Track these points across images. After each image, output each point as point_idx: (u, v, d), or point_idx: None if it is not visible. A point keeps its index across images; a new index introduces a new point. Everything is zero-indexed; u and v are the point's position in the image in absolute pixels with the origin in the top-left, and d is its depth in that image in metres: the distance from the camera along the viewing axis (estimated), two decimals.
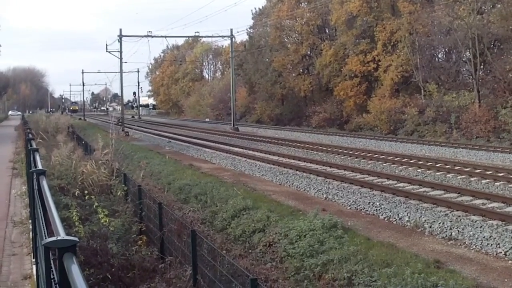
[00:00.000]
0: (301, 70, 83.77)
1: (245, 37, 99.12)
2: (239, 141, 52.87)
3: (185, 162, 35.36)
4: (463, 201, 21.00)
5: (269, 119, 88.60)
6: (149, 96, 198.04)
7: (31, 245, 12.45)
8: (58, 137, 42.53)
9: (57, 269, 4.34)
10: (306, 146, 45.27)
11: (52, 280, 4.95)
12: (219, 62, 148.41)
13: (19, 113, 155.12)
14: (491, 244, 15.16)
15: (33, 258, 11.31)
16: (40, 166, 10.50)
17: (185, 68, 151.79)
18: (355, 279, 13.02)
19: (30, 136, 23.16)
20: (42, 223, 6.93)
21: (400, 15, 62.13)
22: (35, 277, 10.01)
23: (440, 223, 17.38)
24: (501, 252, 14.65)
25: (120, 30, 69.90)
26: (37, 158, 12.15)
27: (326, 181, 26.78)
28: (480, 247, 15.19)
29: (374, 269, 13.07)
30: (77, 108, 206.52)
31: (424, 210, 19.41)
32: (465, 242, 15.70)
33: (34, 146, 15.40)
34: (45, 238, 5.35)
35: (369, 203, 21.14)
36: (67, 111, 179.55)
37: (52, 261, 4.96)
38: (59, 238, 4.36)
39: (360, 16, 66.10)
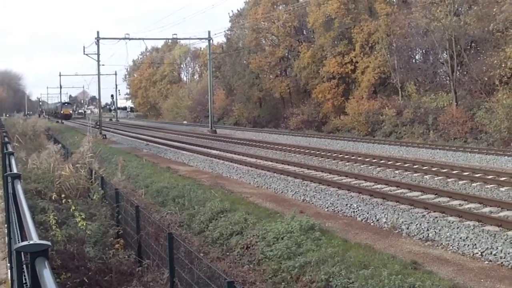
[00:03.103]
0: (278, 72, 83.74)
1: (223, 39, 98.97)
2: (217, 144, 52.84)
3: (163, 165, 35.29)
4: (440, 202, 21.11)
5: (247, 121, 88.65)
6: (127, 99, 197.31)
7: (7, 250, 12.37)
8: (39, 140, 42.40)
9: (29, 274, 4.32)
10: (284, 148, 45.33)
11: (25, 284, 4.92)
12: (197, 65, 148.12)
13: None
14: (468, 245, 15.22)
15: (8, 263, 11.24)
16: (15, 170, 10.44)
17: (163, 71, 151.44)
18: (332, 281, 13.03)
19: (6, 139, 23.05)
20: (16, 227, 6.89)
21: (377, 16, 62.31)
22: (10, 282, 9.95)
23: (417, 224, 17.44)
24: (477, 253, 14.72)
25: (98, 32, 69.58)
26: (12, 161, 12.09)
27: (304, 183, 26.82)
28: (457, 248, 15.25)
29: (351, 271, 13.09)
30: (71, 112, 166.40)
31: (402, 212, 19.47)
32: (442, 243, 15.76)
33: (10, 150, 15.31)
34: (18, 243, 5.32)
35: (346, 204, 21.17)
36: (44, 114, 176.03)
37: (24, 266, 4.93)
38: (31, 242, 4.33)
39: (337, 18, 65.97)
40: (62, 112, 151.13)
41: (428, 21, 52.60)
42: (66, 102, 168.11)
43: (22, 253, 4.87)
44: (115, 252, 14.01)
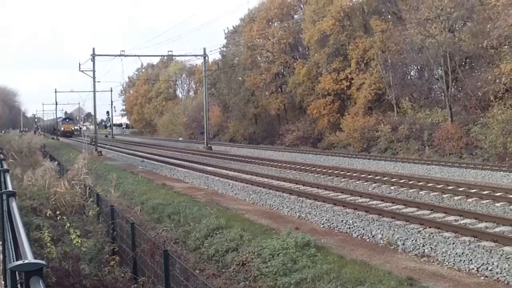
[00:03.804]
0: (274, 89, 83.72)
1: (218, 56, 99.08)
2: (212, 160, 52.87)
3: (158, 182, 35.26)
4: (436, 218, 21.10)
5: (243, 138, 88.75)
6: (122, 115, 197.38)
7: (1, 268, 12.33)
8: (34, 157, 42.34)
9: None
10: (279, 164, 45.33)
11: None
12: (193, 81, 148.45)
13: None
14: (464, 261, 15.22)
15: (3, 281, 11.19)
16: (10, 187, 10.40)
17: (158, 87, 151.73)
18: None
19: (1, 156, 23.02)
20: (11, 246, 6.87)
21: (373, 33, 62.31)
22: None
23: (413, 240, 17.43)
24: (473, 268, 14.71)
25: (93, 49, 69.53)
26: (8, 179, 12.05)
27: (299, 200, 26.79)
28: (453, 263, 15.25)
29: (347, 287, 13.06)
30: (72, 128, 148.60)
31: (397, 228, 19.45)
32: (438, 259, 15.76)
33: (5, 167, 15.28)
34: (13, 261, 5.30)
35: (342, 221, 21.15)
36: (39, 130, 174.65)
37: (19, 285, 4.91)
38: (26, 261, 4.31)
39: (333, 34, 66.05)
40: (62, 129, 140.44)
41: (423, 38, 52.76)
42: (67, 118, 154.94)
43: (17, 272, 4.85)
44: (111, 269, 13.97)
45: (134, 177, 36.85)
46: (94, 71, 70.70)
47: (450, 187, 29.03)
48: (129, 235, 15.21)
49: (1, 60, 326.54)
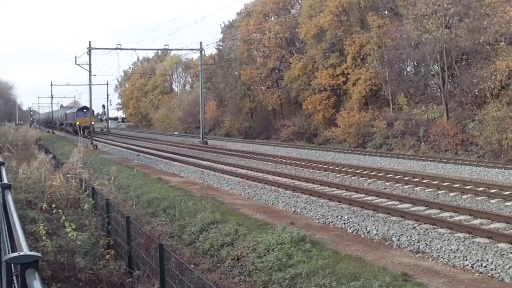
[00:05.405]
0: (270, 84, 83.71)
1: (214, 50, 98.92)
2: (208, 155, 52.81)
3: (154, 176, 35.23)
4: (431, 214, 21.11)
5: (238, 133, 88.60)
6: (118, 109, 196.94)
7: None
8: (30, 150, 42.30)
9: (19, 285, 4.29)
10: (275, 159, 45.30)
11: None
12: (189, 75, 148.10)
13: None
14: (459, 257, 15.22)
15: None
16: (5, 180, 10.39)
17: (154, 81, 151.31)
18: None
19: None
20: (6, 238, 6.85)
21: (369, 28, 62.27)
22: None
23: (408, 236, 17.44)
24: (468, 265, 14.71)
25: (89, 42, 69.28)
26: (3, 171, 12.02)
27: (295, 195, 26.76)
28: (448, 259, 15.25)
29: (342, 283, 13.06)
30: (92, 123, 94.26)
31: (392, 223, 19.45)
32: (432, 255, 15.76)
33: (1, 159, 15.24)
34: (8, 254, 5.29)
35: (337, 216, 21.15)
36: (35, 123, 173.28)
37: (14, 277, 4.90)
38: (21, 253, 4.31)
39: (330, 29, 65.93)
40: (76, 123, 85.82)
41: (419, 33, 52.72)
42: (84, 108, 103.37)
43: (12, 264, 4.84)
44: (106, 263, 13.97)
45: (129, 171, 36.79)
46: (90, 64, 70.57)
47: (445, 184, 29.04)
48: (124, 229, 15.20)
49: None
